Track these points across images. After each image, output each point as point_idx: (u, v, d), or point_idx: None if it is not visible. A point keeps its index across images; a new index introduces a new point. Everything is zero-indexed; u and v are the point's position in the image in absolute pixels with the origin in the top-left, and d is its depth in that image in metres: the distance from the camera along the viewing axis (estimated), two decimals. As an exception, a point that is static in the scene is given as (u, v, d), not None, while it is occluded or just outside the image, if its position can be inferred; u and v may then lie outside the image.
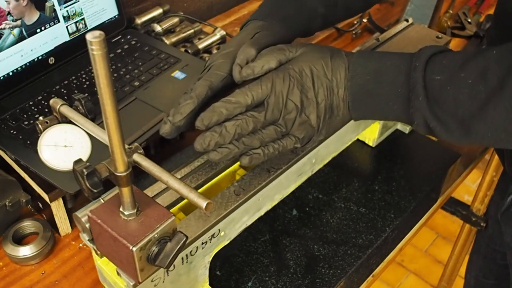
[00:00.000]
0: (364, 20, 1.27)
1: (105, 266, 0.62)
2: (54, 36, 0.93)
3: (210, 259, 0.67)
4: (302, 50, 0.64)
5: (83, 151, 0.63)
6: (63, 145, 0.63)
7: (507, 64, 0.56)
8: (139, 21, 1.09)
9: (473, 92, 0.57)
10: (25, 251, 0.76)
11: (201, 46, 1.05)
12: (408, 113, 0.61)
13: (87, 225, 0.55)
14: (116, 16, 1.02)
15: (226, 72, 0.65)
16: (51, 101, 0.60)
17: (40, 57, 0.91)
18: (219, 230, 0.65)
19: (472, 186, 2.15)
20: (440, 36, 0.93)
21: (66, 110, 0.59)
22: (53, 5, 0.91)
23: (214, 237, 0.65)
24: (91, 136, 0.61)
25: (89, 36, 0.38)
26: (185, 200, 0.67)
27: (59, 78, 0.92)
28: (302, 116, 0.62)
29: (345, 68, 0.63)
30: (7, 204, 0.78)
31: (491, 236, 1.18)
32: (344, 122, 0.66)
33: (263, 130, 0.61)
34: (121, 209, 0.52)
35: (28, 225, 0.80)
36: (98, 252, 0.58)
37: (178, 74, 0.94)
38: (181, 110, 0.62)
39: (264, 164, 0.70)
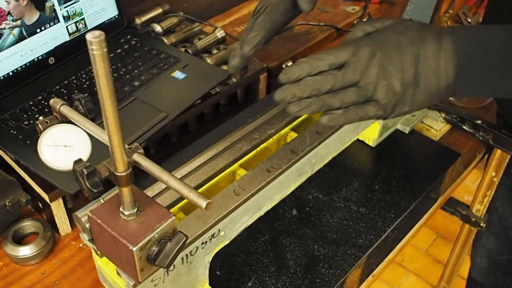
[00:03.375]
0: (364, 20, 1.26)
1: (105, 266, 0.62)
2: (54, 36, 0.92)
3: (210, 259, 0.67)
4: (390, 22, 0.64)
5: (83, 151, 0.63)
6: (63, 145, 0.63)
7: None
8: (139, 21, 1.09)
9: None
10: (25, 251, 0.76)
11: (201, 46, 1.05)
12: None
13: (87, 225, 0.55)
14: (116, 16, 1.02)
15: (285, 6, 0.69)
16: (51, 101, 0.60)
17: (40, 57, 0.91)
18: (219, 230, 0.65)
19: (472, 186, 2.15)
20: (440, 36, 0.93)
21: (66, 110, 0.59)
22: (53, 5, 0.91)
23: (214, 237, 0.65)
24: (91, 136, 0.61)
25: (89, 36, 0.38)
26: (185, 200, 0.67)
27: (59, 78, 0.92)
28: (384, 81, 0.61)
29: (435, 40, 0.61)
30: (7, 204, 0.78)
31: (501, 215, 1.19)
32: (433, 98, 0.63)
33: (343, 91, 0.61)
34: (121, 209, 0.52)
35: (28, 225, 0.80)
36: (98, 252, 0.58)
37: (178, 74, 0.94)
38: (250, 41, 0.66)
39: (264, 164, 0.70)
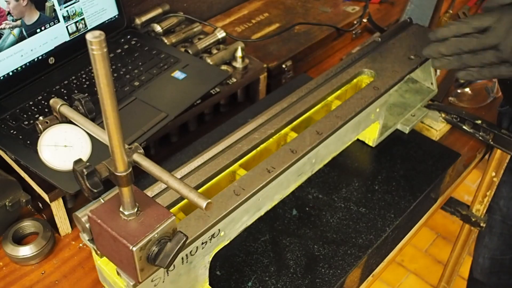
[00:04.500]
0: (364, 20, 1.26)
1: (105, 266, 0.62)
2: (54, 36, 0.93)
3: (210, 259, 0.67)
4: None
5: (83, 151, 0.63)
6: (63, 145, 0.63)
7: None
8: (139, 21, 1.09)
9: None
10: (25, 251, 0.76)
11: (201, 46, 1.05)
12: None
13: (87, 225, 0.55)
14: (116, 16, 1.02)
15: None
16: (51, 101, 0.60)
17: (40, 57, 0.91)
18: (219, 230, 0.65)
19: (472, 186, 2.15)
20: (440, 36, 0.92)
21: (66, 110, 0.59)
22: (53, 5, 0.91)
23: (214, 237, 0.65)
24: (91, 136, 0.61)
25: (89, 36, 0.38)
26: (185, 200, 0.67)
27: (59, 78, 0.92)
28: None
29: None
30: (7, 204, 0.78)
31: (506, 214, 1.19)
32: None
33: (482, 52, 0.69)
34: (121, 209, 0.52)
35: (28, 225, 0.80)
36: (98, 252, 0.58)
37: (178, 74, 0.94)
38: None
39: (264, 164, 0.70)
